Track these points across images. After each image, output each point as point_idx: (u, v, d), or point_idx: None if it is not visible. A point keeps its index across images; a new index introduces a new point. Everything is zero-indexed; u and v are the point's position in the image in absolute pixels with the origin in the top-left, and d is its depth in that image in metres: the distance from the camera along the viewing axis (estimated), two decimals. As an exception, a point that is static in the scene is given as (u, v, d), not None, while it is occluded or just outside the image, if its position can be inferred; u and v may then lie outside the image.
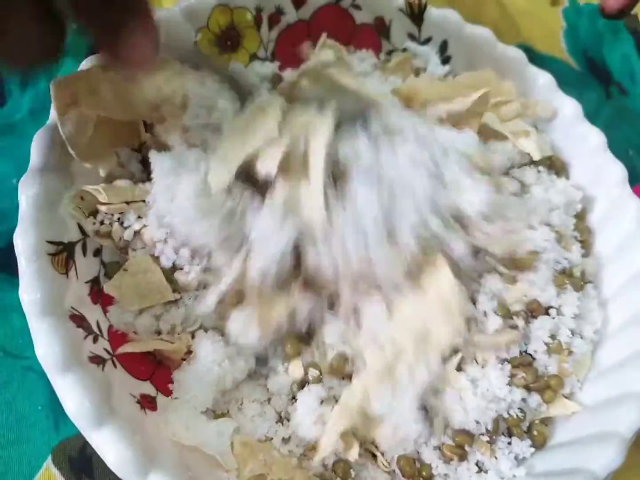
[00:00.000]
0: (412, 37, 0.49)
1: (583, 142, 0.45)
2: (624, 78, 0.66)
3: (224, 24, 0.45)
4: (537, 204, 0.41)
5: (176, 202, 0.35)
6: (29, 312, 0.32)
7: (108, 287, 0.35)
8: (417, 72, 0.48)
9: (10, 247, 0.44)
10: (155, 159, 0.36)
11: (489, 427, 0.35)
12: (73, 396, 0.29)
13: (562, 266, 0.40)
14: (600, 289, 0.42)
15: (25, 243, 0.33)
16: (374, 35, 0.49)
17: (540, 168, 0.45)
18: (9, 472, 0.37)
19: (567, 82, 0.64)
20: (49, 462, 0.38)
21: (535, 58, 0.65)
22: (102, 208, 0.35)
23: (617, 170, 0.43)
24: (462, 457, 0.35)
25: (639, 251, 0.40)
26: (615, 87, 0.65)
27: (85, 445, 0.38)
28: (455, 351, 0.35)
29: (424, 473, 0.35)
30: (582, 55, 0.67)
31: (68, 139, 0.36)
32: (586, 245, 0.43)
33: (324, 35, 0.47)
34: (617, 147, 0.62)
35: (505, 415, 0.36)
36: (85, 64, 0.39)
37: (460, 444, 0.35)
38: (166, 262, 0.36)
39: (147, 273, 0.36)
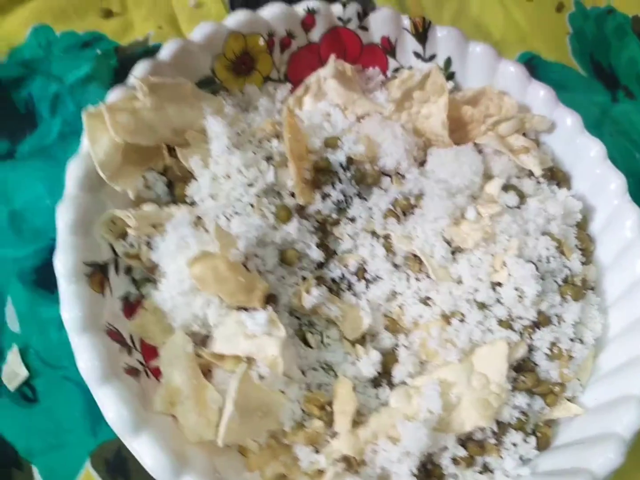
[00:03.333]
0: (417, 55, 0.51)
1: (583, 152, 0.46)
2: (631, 81, 0.67)
3: (238, 50, 0.47)
4: (533, 214, 0.43)
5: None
6: (70, 329, 0.34)
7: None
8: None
9: (46, 264, 0.47)
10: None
11: (495, 430, 0.37)
12: (112, 406, 0.32)
13: (563, 275, 0.42)
14: (602, 296, 0.43)
15: (64, 266, 0.35)
16: (381, 54, 0.51)
17: (541, 179, 0.46)
18: (52, 476, 0.41)
19: (573, 87, 0.66)
20: (88, 465, 0.41)
21: (541, 65, 0.67)
22: (131, 232, 0.38)
23: (617, 180, 0.44)
24: (470, 464, 0.37)
25: (639, 258, 0.42)
26: (622, 90, 0.66)
27: (120, 449, 0.42)
28: None
29: (435, 473, 0.37)
30: (589, 59, 0.68)
31: (99, 164, 0.39)
32: (587, 253, 0.45)
33: (332, 56, 0.50)
34: (623, 151, 0.63)
35: (509, 419, 0.38)
36: (114, 95, 0.41)
37: (472, 455, 0.37)
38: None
39: None
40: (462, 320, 0.39)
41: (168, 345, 0.36)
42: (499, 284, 0.40)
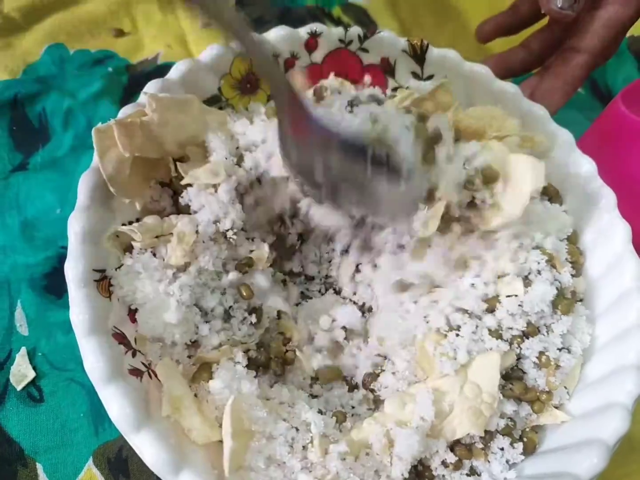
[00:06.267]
0: (415, 75, 0.53)
1: (575, 169, 0.48)
2: (626, 100, 0.68)
3: (244, 71, 0.50)
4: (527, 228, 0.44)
5: None
6: (78, 331, 0.36)
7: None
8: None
9: (55, 271, 0.49)
10: None
11: (483, 435, 0.38)
12: (116, 404, 0.34)
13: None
14: (590, 307, 0.45)
15: (74, 272, 0.37)
16: (381, 74, 0.54)
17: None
18: (56, 473, 0.42)
19: (571, 105, 0.67)
20: (90, 463, 0.43)
21: (539, 84, 0.68)
22: (137, 244, 0.40)
23: (607, 196, 0.46)
24: (458, 467, 0.38)
25: (627, 271, 0.43)
26: (617, 109, 0.68)
27: (121, 449, 0.43)
28: None
29: (425, 474, 0.38)
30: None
31: (108, 178, 0.41)
32: (577, 266, 0.46)
33: (332, 74, 0.52)
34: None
35: (496, 425, 0.39)
36: (123, 112, 0.43)
37: (461, 458, 0.38)
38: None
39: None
40: (457, 332, 0.40)
41: (159, 366, 0.37)
42: (490, 296, 0.41)
